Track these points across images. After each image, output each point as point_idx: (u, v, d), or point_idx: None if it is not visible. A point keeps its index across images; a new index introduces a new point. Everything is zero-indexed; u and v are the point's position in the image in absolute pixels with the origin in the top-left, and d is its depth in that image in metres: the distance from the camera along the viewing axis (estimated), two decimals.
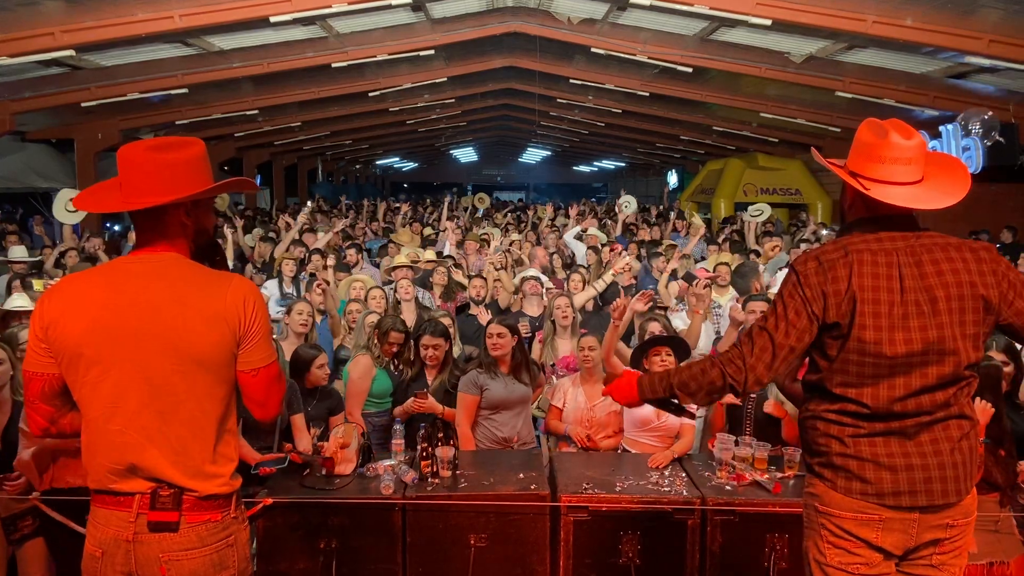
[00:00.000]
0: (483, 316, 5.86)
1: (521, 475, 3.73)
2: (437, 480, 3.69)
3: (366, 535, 3.49)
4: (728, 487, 3.67)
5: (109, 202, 2.12)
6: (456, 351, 5.42)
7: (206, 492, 2.08)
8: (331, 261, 7.23)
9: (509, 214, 17.43)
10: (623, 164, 32.13)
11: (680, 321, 5.81)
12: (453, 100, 17.33)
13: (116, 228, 14.31)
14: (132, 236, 8.46)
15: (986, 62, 7.98)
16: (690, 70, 10.98)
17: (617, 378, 2.56)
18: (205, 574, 2.08)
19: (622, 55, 10.94)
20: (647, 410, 4.29)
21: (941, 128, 11.26)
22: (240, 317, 2.09)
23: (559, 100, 16.77)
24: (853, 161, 2.20)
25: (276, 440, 4.14)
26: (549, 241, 10.58)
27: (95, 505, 2.10)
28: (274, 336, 4.38)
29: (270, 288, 7.18)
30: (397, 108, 16.54)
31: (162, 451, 2.04)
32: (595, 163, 34.67)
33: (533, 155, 35.56)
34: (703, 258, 9.45)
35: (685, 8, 8.04)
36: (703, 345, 5.53)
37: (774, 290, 4.33)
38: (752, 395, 4.28)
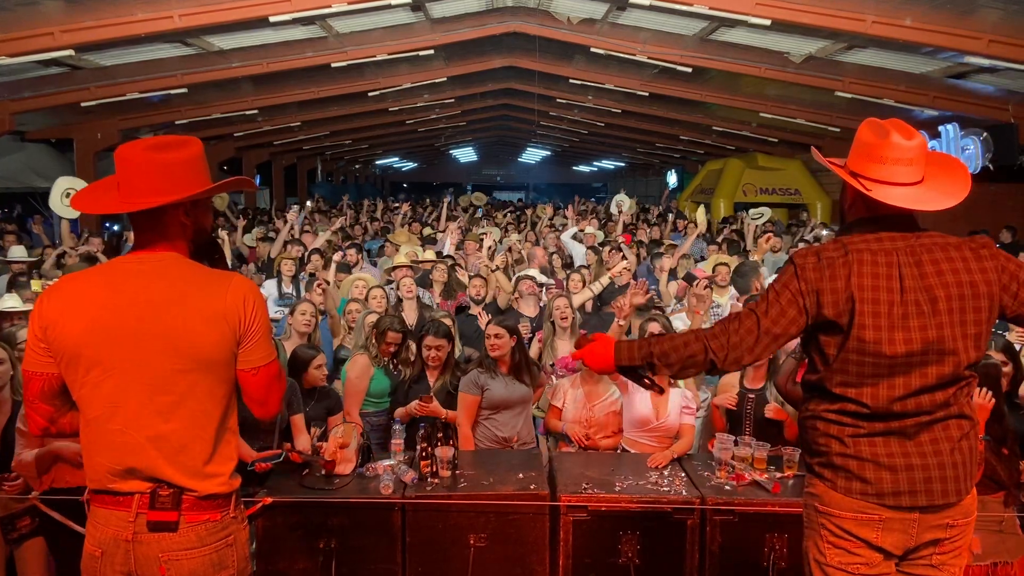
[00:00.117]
0: (483, 319, 5.85)
1: (521, 475, 3.73)
2: (437, 480, 3.69)
3: (365, 535, 3.49)
4: (727, 487, 3.67)
5: (108, 203, 2.11)
6: (456, 352, 5.41)
7: (205, 492, 2.08)
8: (337, 257, 7.22)
9: (509, 214, 17.44)
10: (623, 164, 32.13)
11: (680, 322, 5.81)
12: (453, 100, 17.33)
13: (115, 228, 14.29)
14: (131, 236, 8.47)
15: (985, 62, 7.98)
16: (690, 70, 10.98)
17: (591, 342, 2.41)
18: (204, 574, 2.08)
19: (622, 55, 10.94)
20: (647, 410, 4.30)
21: (940, 128, 11.28)
22: (240, 316, 2.09)
23: (559, 100, 16.77)
24: (854, 161, 2.20)
25: (276, 440, 4.14)
26: (548, 241, 10.59)
27: (94, 505, 2.10)
28: (275, 335, 4.39)
29: (268, 288, 7.18)
30: (397, 108, 16.54)
31: (162, 451, 2.04)
32: (595, 163, 34.68)
33: (533, 155, 35.56)
34: (703, 258, 9.45)
35: (685, 8, 8.04)
36: None
37: None
38: (751, 396, 4.28)
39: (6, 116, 10.28)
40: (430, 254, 8.29)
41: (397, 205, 16.12)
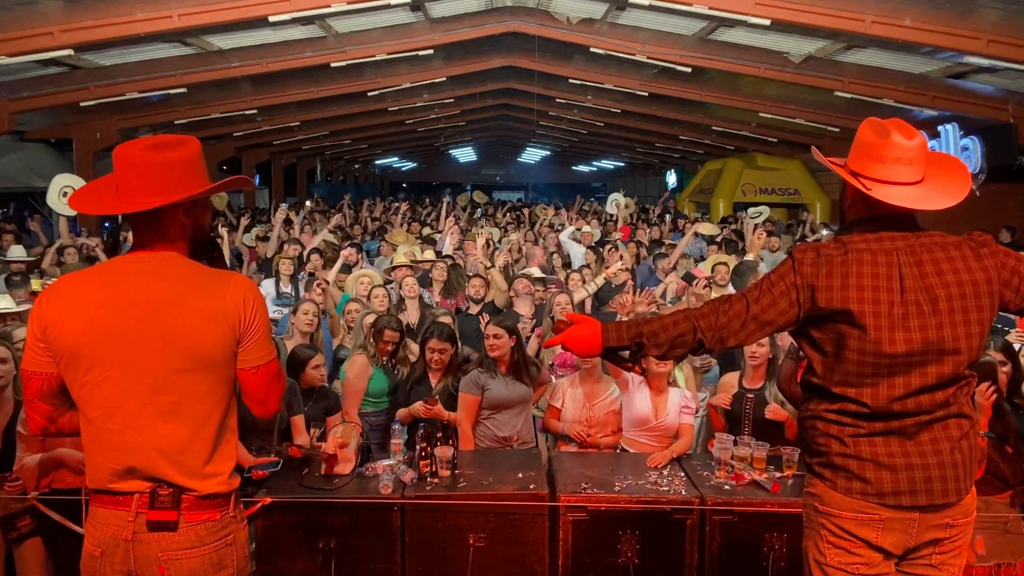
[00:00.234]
0: (484, 323, 5.80)
1: (520, 475, 3.73)
2: (436, 480, 3.68)
3: (365, 535, 3.49)
4: (727, 487, 3.66)
5: (107, 203, 2.11)
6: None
7: (205, 491, 2.08)
8: (345, 254, 7.20)
9: (508, 213, 17.45)
10: (622, 164, 32.14)
11: None
12: (452, 100, 17.33)
13: (110, 226, 14.28)
14: (129, 236, 8.46)
15: (985, 62, 7.98)
16: (689, 70, 10.98)
17: (574, 326, 2.31)
18: (204, 573, 2.08)
19: (621, 55, 10.94)
20: (646, 409, 4.29)
21: (940, 128, 11.29)
22: (240, 315, 2.09)
23: (558, 100, 16.77)
24: (854, 161, 2.20)
25: (275, 441, 4.14)
26: (549, 241, 10.59)
27: (94, 505, 2.10)
28: (274, 335, 4.39)
29: (266, 287, 7.17)
30: (396, 108, 16.54)
31: (161, 451, 2.04)
32: (594, 163, 34.68)
33: (532, 155, 35.56)
34: (702, 258, 9.45)
35: (684, 8, 8.04)
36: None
37: None
38: (750, 396, 4.28)
39: (5, 116, 10.27)
40: (429, 254, 8.29)
41: (397, 205, 16.11)
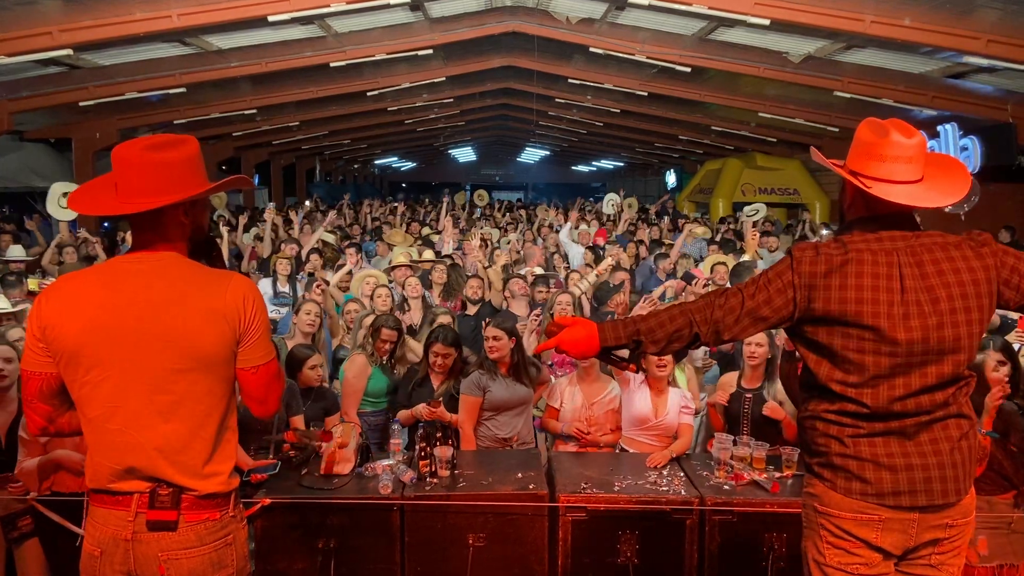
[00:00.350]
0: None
1: (519, 475, 3.73)
2: (435, 480, 3.68)
3: (364, 535, 3.49)
4: (726, 487, 3.67)
5: (106, 204, 2.10)
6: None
7: (205, 491, 2.08)
8: (351, 261, 7.19)
9: (508, 213, 17.45)
10: (622, 164, 32.13)
11: None
12: (451, 100, 17.32)
13: (107, 225, 14.26)
14: (126, 236, 8.45)
15: (984, 62, 7.98)
16: (688, 70, 10.97)
17: (569, 328, 2.28)
18: (204, 573, 2.08)
19: (620, 55, 10.93)
20: (646, 409, 4.29)
21: (939, 128, 11.29)
22: (240, 315, 2.09)
23: (557, 100, 16.76)
24: (853, 160, 2.20)
25: (273, 442, 4.13)
26: (549, 241, 10.59)
27: (94, 505, 2.10)
28: (274, 335, 4.38)
29: (263, 287, 7.16)
30: (395, 108, 16.52)
31: (161, 450, 2.04)
32: (594, 163, 34.67)
33: (532, 155, 35.54)
34: (702, 258, 9.46)
35: (683, 8, 8.03)
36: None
37: None
38: (748, 395, 4.28)
39: (4, 116, 10.26)
40: (429, 254, 8.29)
41: (395, 204, 16.10)
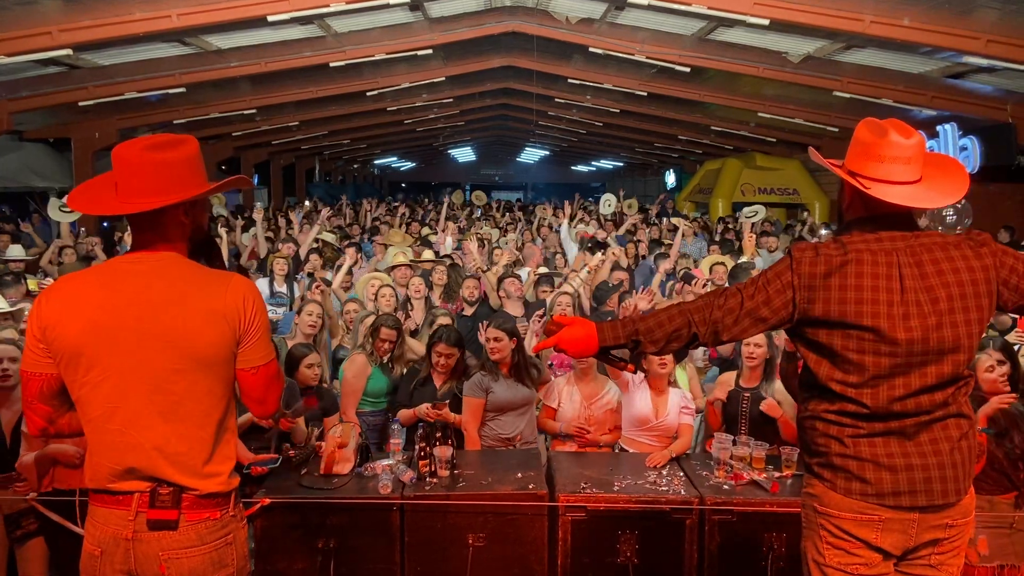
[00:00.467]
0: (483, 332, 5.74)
1: (519, 475, 3.73)
2: (435, 480, 3.69)
3: (364, 535, 3.49)
4: (726, 487, 3.67)
5: (106, 204, 2.10)
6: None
7: (206, 490, 2.08)
8: (348, 263, 7.18)
9: (508, 213, 17.45)
10: (621, 164, 32.13)
11: None
12: (451, 100, 17.32)
13: (107, 225, 14.26)
14: (125, 236, 8.45)
15: (984, 62, 7.98)
16: (688, 70, 10.98)
17: (568, 327, 2.28)
18: (204, 572, 2.08)
19: (620, 55, 10.93)
20: (646, 409, 4.30)
21: (939, 128, 11.29)
22: (240, 316, 2.10)
23: (557, 100, 16.76)
24: (852, 160, 2.20)
25: (274, 441, 4.14)
26: (550, 240, 10.59)
27: (94, 504, 2.10)
28: (274, 335, 4.37)
29: (260, 286, 7.15)
30: (395, 108, 16.53)
31: (162, 451, 2.04)
32: (593, 163, 34.67)
33: (531, 155, 35.54)
34: (703, 258, 9.46)
35: (683, 8, 8.03)
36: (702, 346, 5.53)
37: None
38: (747, 395, 4.28)
39: (4, 115, 10.25)
40: (428, 254, 8.29)
41: (396, 205, 16.10)
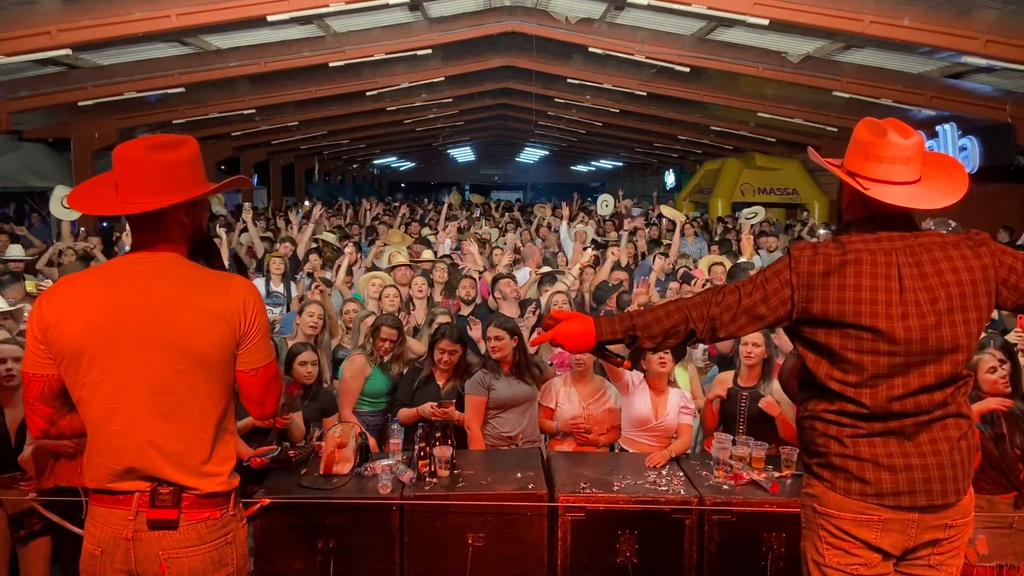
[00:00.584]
0: (473, 327, 5.75)
1: (519, 475, 3.73)
2: (435, 480, 3.69)
3: (363, 535, 3.49)
4: (725, 486, 3.67)
5: (108, 204, 2.10)
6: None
7: (206, 490, 2.08)
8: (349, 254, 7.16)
9: (507, 213, 17.46)
10: (621, 164, 32.14)
11: None
12: (450, 100, 17.32)
13: (106, 225, 14.25)
14: (123, 236, 8.44)
15: (983, 62, 7.99)
16: (687, 70, 10.98)
17: (565, 322, 2.27)
18: (204, 572, 2.09)
19: (620, 55, 10.94)
20: (646, 410, 4.30)
21: (938, 128, 11.30)
22: (240, 317, 2.10)
23: (557, 100, 16.76)
24: (851, 160, 2.20)
25: (273, 440, 4.14)
26: (550, 240, 10.59)
27: (94, 504, 2.10)
28: (274, 335, 4.37)
29: (256, 286, 7.13)
30: (394, 108, 16.53)
31: (162, 451, 2.05)
32: (593, 163, 34.67)
33: (531, 155, 35.54)
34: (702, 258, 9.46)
35: (683, 8, 8.04)
36: (702, 344, 5.53)
37: None
38: (745, 394, 4.28)
39: (3, 115, 10.25)
40: (428, 254, 8.29)
41: (396, 205, 16.09)
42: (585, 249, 7.47)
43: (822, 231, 11.79)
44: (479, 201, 19.65)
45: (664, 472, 3.85)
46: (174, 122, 13.57)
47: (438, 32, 10.86)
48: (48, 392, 2.09)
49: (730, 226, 13.05)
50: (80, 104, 11.05)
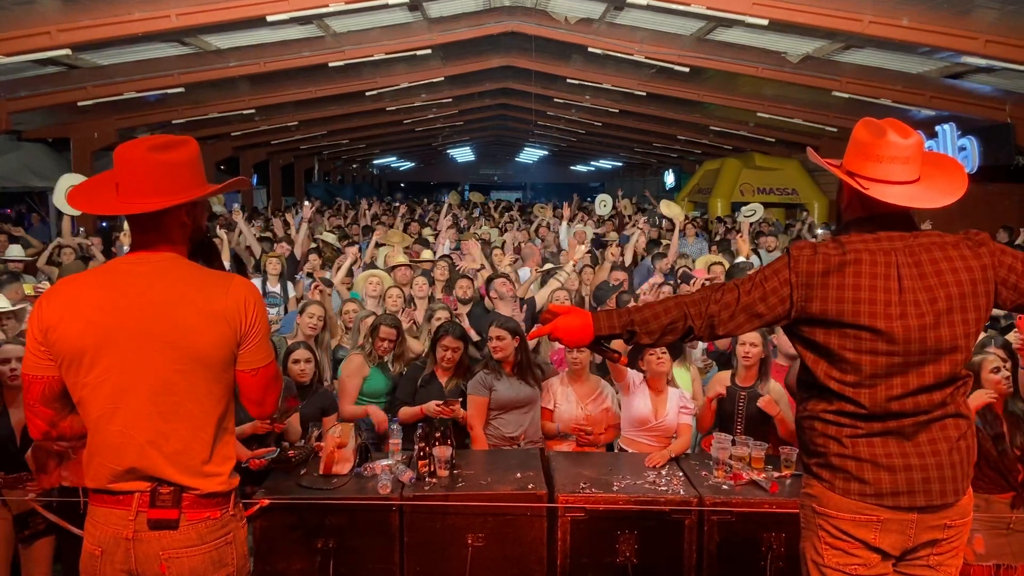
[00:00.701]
0: (465, 324, 5.74)
1: (519, 475, 3.73)
2: (435, 480, 3.69)
3: (363, 535, 3.49)
4: (725, 486, 3.67)
5: (109, 204, 2.10)
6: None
7: (206, 490, 2.09)
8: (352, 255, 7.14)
9: (507, 213, 17.46)
10: (620, 164, 32.15)
11: None
12: (450, 100, 17.32)
13: (105, 225, 14.24)
14: (122, 236, 8.42)
15: (982, 62, 8.00)
16: (687, 70, 10.98)
17: (563, 316, 2.27)
18: (205, 571, 2.09)
19: (619, 55, 10.94)
20: (646, 410, 4.30)
21: (937, 128, 11.31)
22: (241, 318, 2.10)
23: (556, 100, 16.77)
24: (850, 160, 2.20)
25: (273, 443, 4.13)
26: (549, 240, 10.59)
27: (94, 504, 2.10)
28: (274, 335, 4.37)
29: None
30: (394, 108, 16.53)
31: (162, 451, 2.05)
32: (592, 163, 34.68)
33: (530, 155, 35.55)
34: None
35: (682, 8, 8.04)
36: (701, 344, 5.54)
37: None
38: (743, 393, 4.28)
39: (3, 115, 10.25)
40: (428, 254, 8.29)
41: (396, 205, 16.09)
42: (580, 245, 7.47)
43: (820, 231, 11.79)
44: (479, 200, 19.63)
45: (664, 472, 3.85)
46: (174, 122, 13.57)
47: (438, 32, 10.86)
48: (49, 394, 2.09)
49: (730, 226, 13.05)
50: (80, 104, 11.05)
